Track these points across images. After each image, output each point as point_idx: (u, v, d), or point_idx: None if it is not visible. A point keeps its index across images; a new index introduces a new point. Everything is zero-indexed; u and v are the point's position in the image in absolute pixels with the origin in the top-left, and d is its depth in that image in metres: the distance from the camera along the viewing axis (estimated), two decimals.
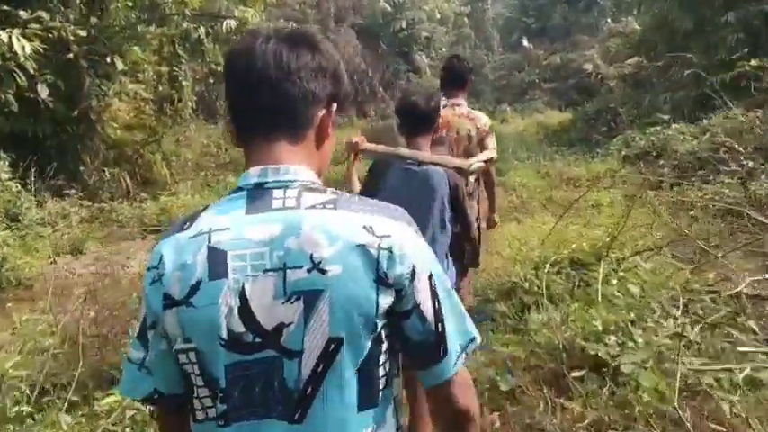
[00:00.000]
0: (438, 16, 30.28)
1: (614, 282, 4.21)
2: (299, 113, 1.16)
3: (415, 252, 1.11)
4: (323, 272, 1.05)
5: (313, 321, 1.05)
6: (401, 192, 2.68)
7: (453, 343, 1.14)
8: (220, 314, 1.06)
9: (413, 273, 1.10)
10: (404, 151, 2.85)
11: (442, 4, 30.85)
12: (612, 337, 3.26)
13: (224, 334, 1.07)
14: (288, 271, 1.06)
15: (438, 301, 1.13)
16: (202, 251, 1.09)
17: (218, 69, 17.85)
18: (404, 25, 27.51)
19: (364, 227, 1.08)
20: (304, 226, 1.07)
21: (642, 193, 9.26)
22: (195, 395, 1.13)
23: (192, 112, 14.61)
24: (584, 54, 27.56)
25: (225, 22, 12.76)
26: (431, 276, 1.13)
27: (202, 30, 13.05)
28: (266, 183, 1.12)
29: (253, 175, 1.14)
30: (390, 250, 1.08)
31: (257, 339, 1.07)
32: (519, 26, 33.99)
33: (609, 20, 29.92)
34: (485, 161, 3.46)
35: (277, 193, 1.11)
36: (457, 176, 2.88)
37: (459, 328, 1.16)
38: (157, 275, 1.12)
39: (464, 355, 1.17)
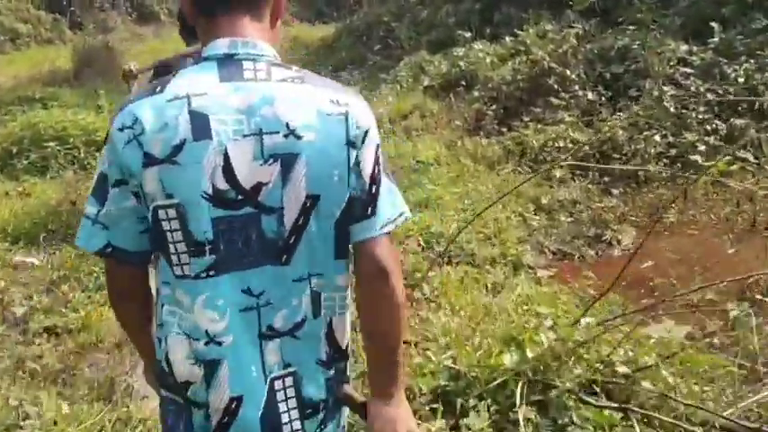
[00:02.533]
0: None
1: None
2: None
3: (369, 121, 1.23)
4: (298, 137, 1.15)
5: (291, 181, 1.16)
6: None
7: (383, 210, 1.24)
8: (205, 172, 1.14)
9: (365, 135, 1.21)
10: (187, 48, 2.84)
11: None
12: None
13: (209, 190, 1.15)
14: (264, 136, 1.15)
15: (378, 169, 1.24)
16: (183, 114, 1.13)
17: None
18: None
19: (331, 100, 1.20)
20: (277, 97, 1.16)
21: (463, 140, 7.16)
22: (172, 251, 1.19)
23: None
24: None
25: None
26: (377, 147, 1.25)
27: None
28: (236, 54, 1.19)
29: (221, 45, 1.19)
30: (353, 117, 1.20)
31: (239, 197, 1.16)
32: None
33: None
34: None
35: (247, 64, 1.18)
36: None
37: (391, 202, 1.26)
38: (133, 135, 1.15)
39: (392, 225, 1.26)
